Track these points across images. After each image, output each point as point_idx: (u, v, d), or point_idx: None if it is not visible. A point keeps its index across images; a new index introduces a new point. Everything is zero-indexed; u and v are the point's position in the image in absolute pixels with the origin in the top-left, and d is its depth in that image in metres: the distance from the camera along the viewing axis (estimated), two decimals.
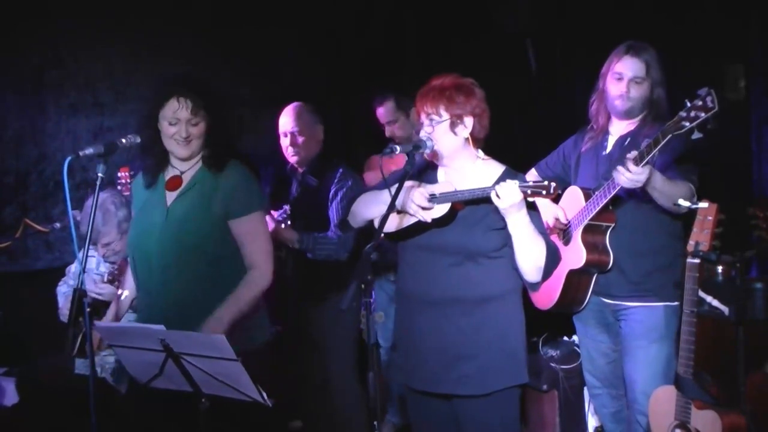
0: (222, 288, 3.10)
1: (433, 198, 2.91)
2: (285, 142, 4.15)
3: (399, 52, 5.80)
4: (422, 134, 2.99)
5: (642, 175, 3.18)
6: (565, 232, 3.60)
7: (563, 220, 3.56)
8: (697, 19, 4.73)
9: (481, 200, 2.87)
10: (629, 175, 3.18)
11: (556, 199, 3.63)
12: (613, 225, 3.49)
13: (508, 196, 2.77)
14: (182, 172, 3.18)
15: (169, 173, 3.21)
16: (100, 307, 3.63)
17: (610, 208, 3.48)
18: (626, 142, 3.52)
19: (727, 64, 4.81)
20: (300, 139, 4.12)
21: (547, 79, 5.53)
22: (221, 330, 2.92)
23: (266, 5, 5.38)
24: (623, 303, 3.55)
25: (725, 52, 4.75)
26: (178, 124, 3.09)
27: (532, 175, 3.75)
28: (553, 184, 2.72)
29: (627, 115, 3.52)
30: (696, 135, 3.10)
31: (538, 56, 5.56)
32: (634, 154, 3.19)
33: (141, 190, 3.27)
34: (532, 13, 5.41)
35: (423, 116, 2.99)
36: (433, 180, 3.08)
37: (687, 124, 3.07)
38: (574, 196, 3.59)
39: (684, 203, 3.18)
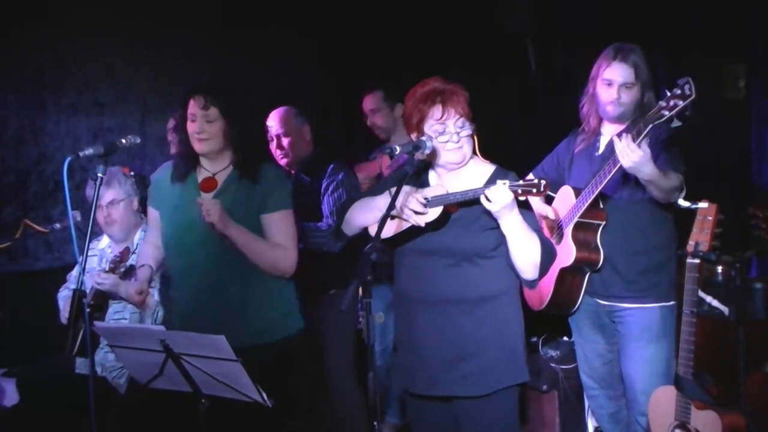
0: (259, 280, 3.20)
1: (426, 202, 2.90)
2: (273, 145, 4.19)
3: (399, 52, 5.80)
4: (448, 137, 2.92)
5: (636, 153, 3.16)
6: (556, 231, 3.60)
7: (552, 217, 3.56)
8: (697, 19, 4.74)
9: (474, 201, 2.86)
10: (625, 148, 3.15)
11: (549, 200, 3.64)
12: (603, 223, 3.49)
13: (499, 199, 2.75)
14: (214, 174, 3.27)
15: (202, 174, 3.29)
16: (101, 301, 3.64)
17: (601, 206, 3.49)
18: None
19: (727, 64, 4.83)
20: (286, 141, 4.16)
21: (547, 79, 5.53)
22: (222, 223, 3.06)
23: (267, 5, 5.38)
24: (618, 304, 3.55)
25: (725, 52, 4.76)
26: (196, 120, 3.20)
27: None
28: (543, 182, 2.69)
29: (619, 119, 3.53)
30: (675, 123, 3.14)
31: (538, 56, 5.56)
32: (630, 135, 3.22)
33: (166, 187, 3.32)
34: (532, 13, 5.42)
35: (451, 120, 2.92)
36: (425, 182, 3.07)
37: (666, 113, 3.09)
38: (565, 195, 3.60)
39: (684, 204, 3.18)
